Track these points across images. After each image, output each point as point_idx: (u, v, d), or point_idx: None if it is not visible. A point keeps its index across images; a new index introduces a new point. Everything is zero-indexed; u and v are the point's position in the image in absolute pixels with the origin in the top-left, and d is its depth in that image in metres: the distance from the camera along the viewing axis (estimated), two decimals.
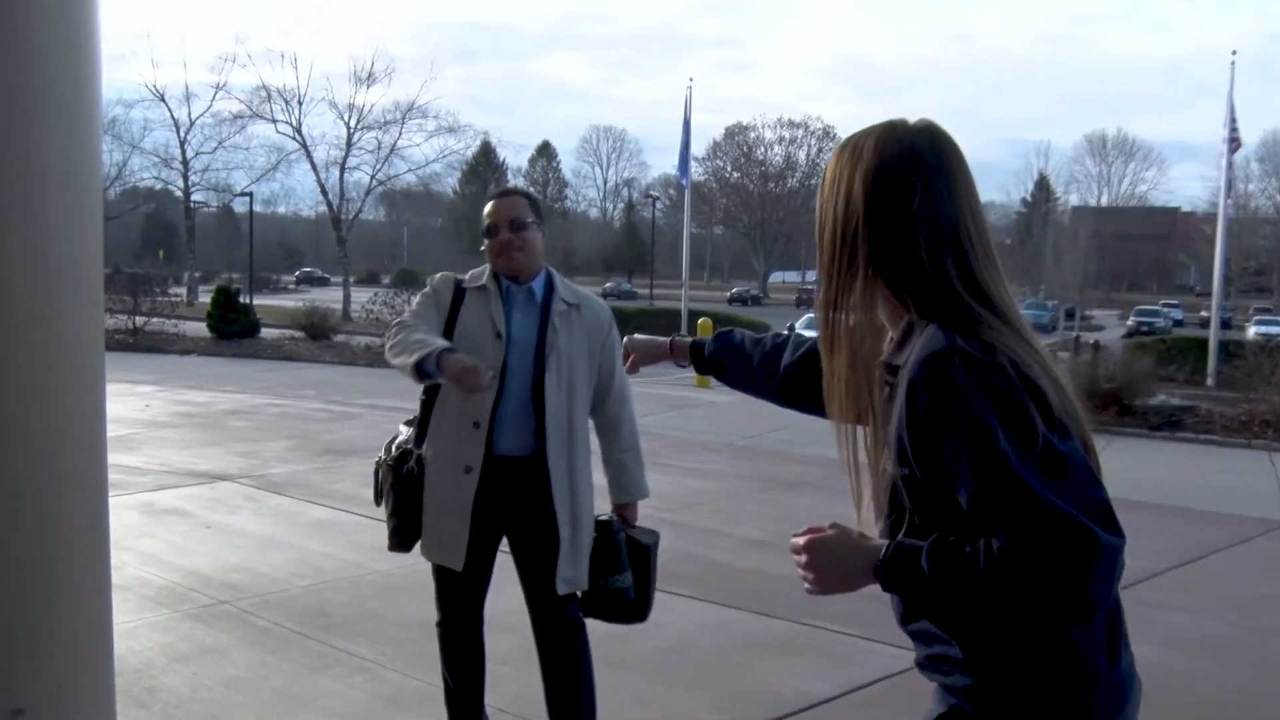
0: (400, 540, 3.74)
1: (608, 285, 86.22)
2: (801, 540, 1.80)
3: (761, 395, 2.44)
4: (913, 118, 1.90)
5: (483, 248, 3.76)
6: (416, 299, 3.81)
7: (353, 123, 51.21)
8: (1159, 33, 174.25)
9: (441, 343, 3.43)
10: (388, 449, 3.80)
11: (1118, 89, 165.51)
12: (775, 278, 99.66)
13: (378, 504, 3.84)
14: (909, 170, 1.77)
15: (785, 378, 2.34)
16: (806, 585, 1.79)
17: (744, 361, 2.42)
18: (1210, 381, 20.31)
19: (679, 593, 6.20)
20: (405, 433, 3.81)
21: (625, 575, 3.72)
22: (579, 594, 3.72)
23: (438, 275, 3.88)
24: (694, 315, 22.99)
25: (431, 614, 3.80)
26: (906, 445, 1.67)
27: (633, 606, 3.80)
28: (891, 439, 1.72)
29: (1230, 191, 23.89)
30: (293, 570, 6.49)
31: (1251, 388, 14.82)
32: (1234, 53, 21.34)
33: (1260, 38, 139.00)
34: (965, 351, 1.62)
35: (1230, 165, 22.49)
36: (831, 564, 1.76)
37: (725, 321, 27.42)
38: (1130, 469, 11.55)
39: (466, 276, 3.79)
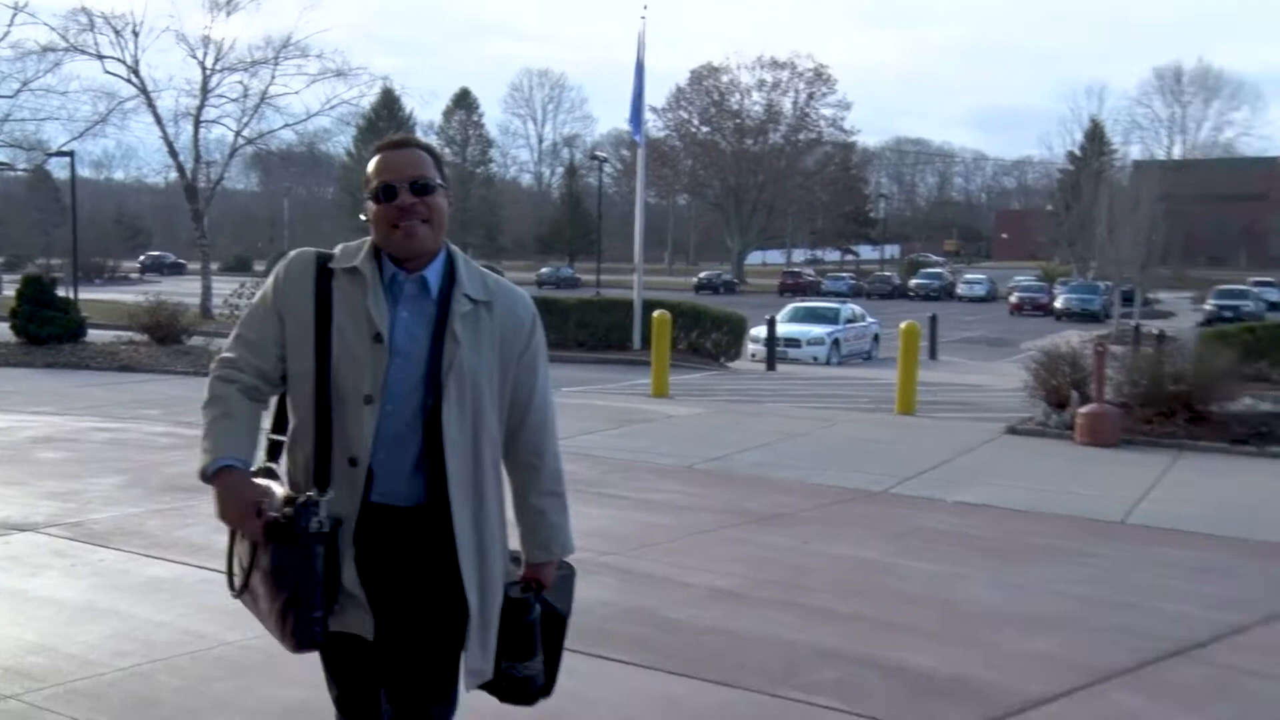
0: (319, 631, 3.33)
1: (544, 271, 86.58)
2: None
3: None
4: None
5: (365, 217, 3.44)
6: (256, 296, 3.53)
7: (209, 62, 50.54)
8: None
9: (228, 454, 3.26)
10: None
11: (1192, 11, 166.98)
12: (753, 259, 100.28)
13: (234, 593, 3.45)
14: None
15: None
16: None
17: None
18: None
19: (622, 660, 6.18)
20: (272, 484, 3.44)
21: (536, 661, 3.54)
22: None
23: (291, 254, 3.53)
24: (650, 308, 22.96)
25: (300, 694, 3.72)
26: None
27: (538, 692, 3.63)
28: None
29: None
30: (113, 647, 6.31)
31: None
32: None
33: None
34: None
35: None
36: None
37: (688, 314, 27.44)
38: (1205, 492, 11.68)
39: (336, 252, 3.47)
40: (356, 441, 3.29)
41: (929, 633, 6.91)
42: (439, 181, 3.42)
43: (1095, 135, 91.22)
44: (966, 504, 10.95)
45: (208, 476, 3.24)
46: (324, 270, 3.40)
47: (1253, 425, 14.76)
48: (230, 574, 3.46)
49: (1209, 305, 56.97)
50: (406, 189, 3.34)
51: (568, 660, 6.09)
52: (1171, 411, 14.93)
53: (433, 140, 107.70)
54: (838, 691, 5.83)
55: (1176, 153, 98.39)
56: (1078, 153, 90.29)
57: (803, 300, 45.58)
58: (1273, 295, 62.49)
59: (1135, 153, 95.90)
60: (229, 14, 50.51)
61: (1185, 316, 53.25)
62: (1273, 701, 6.16)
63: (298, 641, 3.30)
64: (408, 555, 3.36)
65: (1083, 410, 14.78)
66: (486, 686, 3.56)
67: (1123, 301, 49.99)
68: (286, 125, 53.08)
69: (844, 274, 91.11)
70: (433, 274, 3.40)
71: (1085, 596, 7.87)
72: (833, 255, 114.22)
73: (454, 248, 3.50)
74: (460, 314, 3.36)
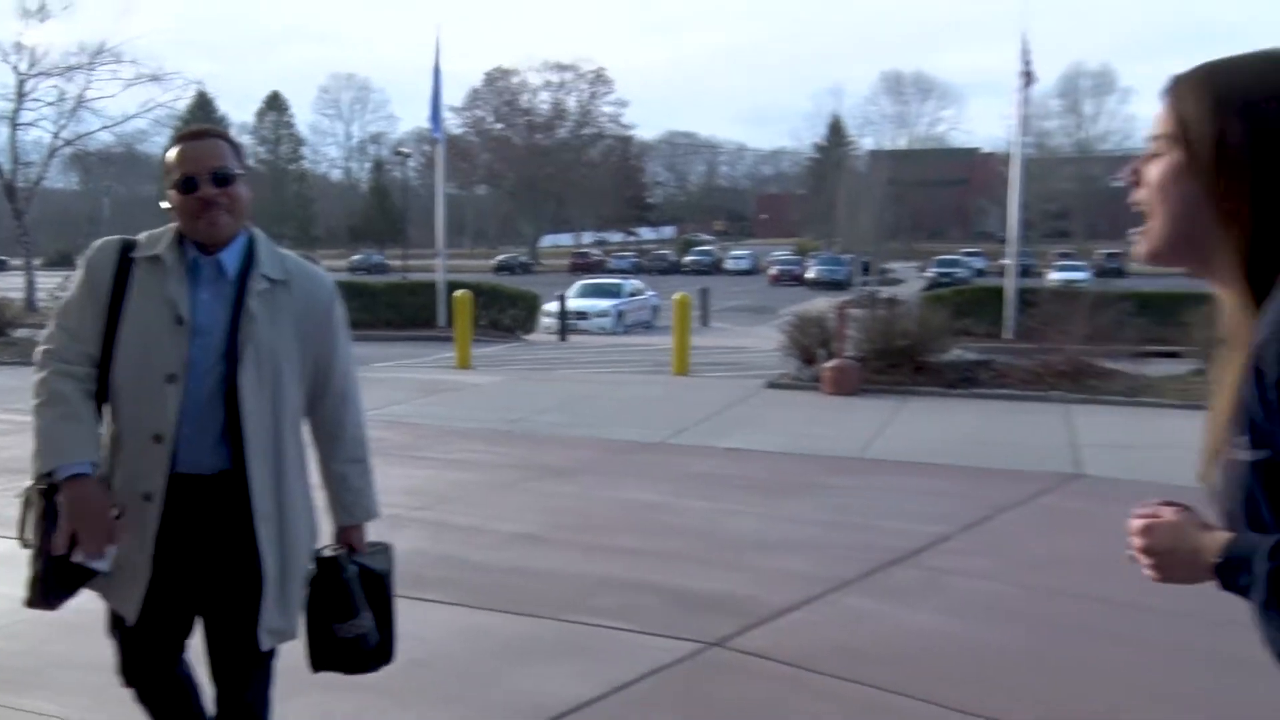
0: (45, 592, 3.15)
1: (355, 258, 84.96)
2: (1140, 522, 1.78)
3: None
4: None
5: (167, 205, 3.21)
6: (70, 289, 3.28)
7: (24, 67, 48.32)
8: None
9: (76, 458, 3.06)
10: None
11: (912, 25, 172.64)
12: (546, 242, 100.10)
13: (22, 544, 3.15)
14: None
15: None
16: (1147, 572, 1.78)
17: None
18: (1009, 333, 21.45)
19: (431, 599, 6.24)
20: None
21: (362, 618, 3.31)
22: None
23: (96, 244, 3.31)
24: (453, 289, 22.89)
25: None
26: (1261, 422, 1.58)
27: (374, 653, 3.41)
28: (1245, 420, 1.61)
29: (1024, 129, 25.38)
30: None
31: (1047, 338, 15.76)
32: None
33: None
34: None
35: (1025, 102, 23.81)
36: (1175, 549, 1.72)
37: (487, 294, 27.40)
38: (927, 430, 12.21)
39: (141, 239, 3.26)
40: (160, 419, 3.09)
41: (699, 559, 7.15)
42: (239, 170, 3.21)
43: (836, 129, 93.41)
44: (734, 449, 11.26)
45: (55, 481, 3.04)
46: (125, 258, 3.21)
47: (961, 372, 15.49)
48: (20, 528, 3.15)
49: (930, 273, 58.82)
50: (208, 180, 3.13)
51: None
52: (899, 363, 15.53)
53: (246, 140, 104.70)
54: (620, 613, 6.01)
55: (902, 144, 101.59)
56: (823, 144, 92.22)
57: (590, 278, 45.76)
58: (979, 263, 65.24)
59: (869, 144, 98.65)
60: (42, 21, 48.26)
61: (913, 282, 54.84)
62: (967, 591, 6.61)
63: (32, 596, 3.16)
64: (211, 521, 3.16)
65: (828, 365, 15.27)
66: (323, 664, 3.40)
67: (862, 271, 51.41)
68: (104, 128, 50.78)
69: (627, 253, 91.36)
70: (230, 256, 3.20)
71: (828, 521, 8.23)
72: (616, 237, 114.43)
73: (256, 231, 3.31)
74: (257, 292, 3.18)
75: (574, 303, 31.14)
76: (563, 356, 22.91)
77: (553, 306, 28.90)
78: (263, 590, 3.16)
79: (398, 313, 27.29)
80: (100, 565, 3.09)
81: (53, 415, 3.11)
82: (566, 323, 28.33)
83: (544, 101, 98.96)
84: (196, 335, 3.13)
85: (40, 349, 3.24)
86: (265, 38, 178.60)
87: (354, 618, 3.29)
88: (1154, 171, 1.70)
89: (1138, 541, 1.76)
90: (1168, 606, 6.11)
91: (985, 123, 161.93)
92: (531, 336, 27.67)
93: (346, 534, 3.39)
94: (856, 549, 7.36)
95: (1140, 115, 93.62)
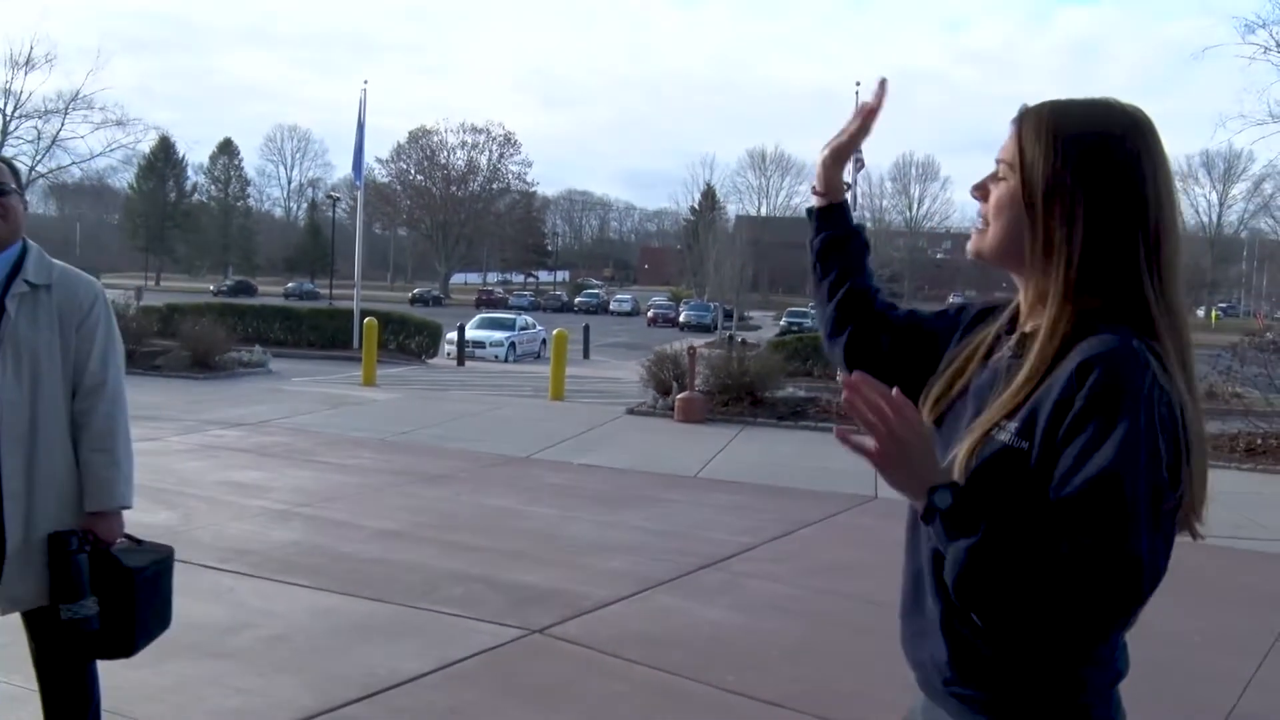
0: None
1: (290, 286, 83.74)
2: (904, 409, 1.54)
3: (838, 295, 2.09)
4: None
5: None
6: None
7: (9, 109, 47.51)
8: (811, 62, 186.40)
9: None
10: None
11: (773, 110, 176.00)
12: (457, 279, 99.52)
13: None
14: None
15: (867, 300, 2.06)
16: (869, 451, 1.54)
17: (856, 254, 2.11)
18: (839, 376, 21.83)
19: (296, 583, 6.22)
20: None
21: (87, 603, 3.05)
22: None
23: None
24: (367, 315, 22.67)
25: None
26: (1041, 418, 1.53)
27: (101, 640, 3.13)
28: (1023, 410, 1.56)
29: (856, 204, 26.12)
30: None
31: None
32: (858, 83, 23.13)
33: (896, 72, 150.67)
34: (1157, 368, 1.52)
35: (855, 181, 24.44)
36: (914, 454, 1.54)
37: (396, 321, 27.21)
38: (755, 455, 12.36)
39: None
40: None
41: (538, 559, 7.16)
42: (13, 187, 3.15)
43: (708, 194, 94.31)
44: (587, 465, 11.28)
45: None
46: None
47: (792, 406, 15.70)
48: None
49: (783, 321, 59.59)
50: None
51: (259, 584, 6.23)
52: (740, 397, 15.70)
53: (200, 180, 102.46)
54: (461, 602, 6.02)
55: (764, 211, 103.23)
56: (696, 207, 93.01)
57: (489, 311, 45.56)
58: None
59: (735, 209, 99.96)
60: (26, 72, 47.66)
61: (769, 329, 55.44)
62: (758, 591, 6.71)
63: None
64: None
65: (680, 396, 15.36)
66: (57, 639, 3.16)
67: (725, 317, 51.89)
68: (74, 163, 50.28)
69: (526, 292, 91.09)
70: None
71: (656, 530, 8.30)
72: (518, 277, 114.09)
73: (31, 244, 3.21)
74: (17, 294, 3.08)
75: (473, 333, 31.01)
76: (458, 379, 22.75)
77: (453, 335, 28.73)
78: (4, 562, 3.04)
79: (319, 334, 26.93)
80: None
81: None
82: (464, 350, 28.19)
83: (459, 158, 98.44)
84: None
85: None
86: (222, 92, 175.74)
87: (77, 600, 3.05)
88: (995, 192, 1.68)
89: (891, 423, 1.53)
90: None
91: None
92: (434, 361, 27.48)
93: (91, 519, 3.15)
94: (674, 554, 7.43)
95: (957, 200, 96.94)
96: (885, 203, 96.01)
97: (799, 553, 7.82)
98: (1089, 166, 1.59)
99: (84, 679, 3.27)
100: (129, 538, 3.29)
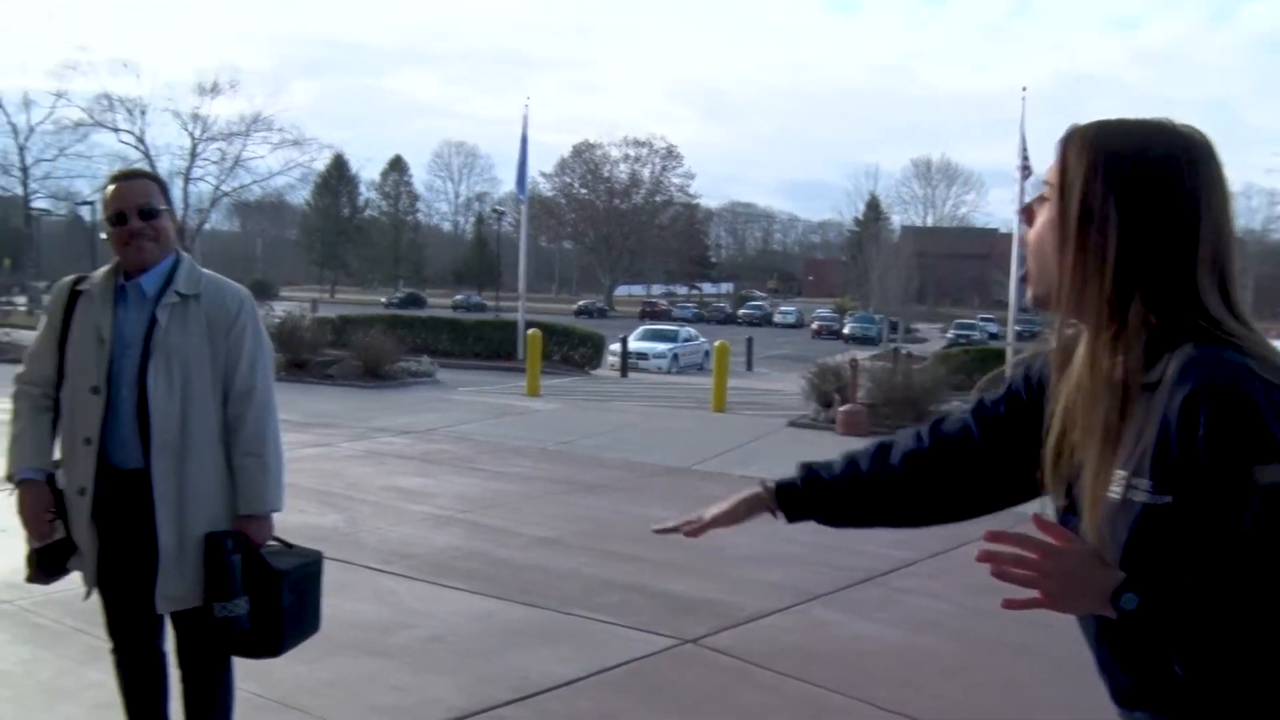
0: (37, 571, 3.34)
1: (457, 298, 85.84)
2: (1052, 542, 1.47)
3: (886, 508, 2.00)
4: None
5: (104, 236, 3.29)
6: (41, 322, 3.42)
7: (197, 133, 50.18)
8: (975, 69, 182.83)
9: (26, 466, 3.23)
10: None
11: (939, 119, 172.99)
12: (621, 291, 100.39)
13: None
14: None
15: (920, 459, 1.92)
16: (1035, 594, 1.47)
17: (849, 476, 1.99)
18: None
19: (454, 586, 6.36)
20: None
21: (239, 602, 3.15)
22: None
23: (61, 280, 3.42)
24: (531, 327, 23.09)
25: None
26: (1174, 467, 1.41)
27: (250, 639, 3.22)
28: (1147, 463, 1.45)
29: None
30: None
31: None
32: (1024, 89, 22.72)
33: (1058, 77, 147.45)
34: (1262, 375, 1.42)
35: (1023, 191, 23.70)
36: (1070, 578, 1.45)
37: (560, 333, 27.58)
38: None
39: (94, 274, 3.34)
40: (88, 425, 3.17)
41: (692, 569, 7.12)
42: (163, 206, 3.26)
43: (873, 205, 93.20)
44: (747, 476, 11.21)
45: (14, 482, 3.25)
46: (74, 292, 3.31)
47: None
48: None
49: (950, 334, 58.48)
50: (135, 215, 3.21)
51: (415, 586, 6.38)
52: (903, 411, 15.43)
53: (371, 196, 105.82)
54: (615, 610, 6.06)
55: (930, 222, 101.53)
56: (860, 218, 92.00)
57: (652, 323, 45.89)
58: (992, 328, 65.11)
59: (900, 220, 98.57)
60: (213, 97, 50.30)
61: (934, 342, 54.38)
62: (918, 607, 6.58)
63: (30, 572, 3.35)
64: (133, 510, 3.17)
65: (842, 409, 15.19)
66: (209, 639, 3.26)
67: (891, 329, 51.10)
68: (254, 182, 52.74)
69: (689, 304, 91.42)
70: (151, 279, 3.24)
71: (814, 543, 8.15)
72: (682, 289, 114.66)
73: (183, 256, 3.34)
74: (168, 305, 3.19)
75: (636, 344, 31.26)
76: (620, 390, 22.96)
77: (617, 346, 29.01)
78: (159, 564, 3.16)
79: (484, 345, 27.54)
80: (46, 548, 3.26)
81: (13, 431, 3.28)
82: (627, 361, 28.43)
83: (622, 172, 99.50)
84: (123, 350, 3.19)
85: (15, 374, 3.38)
86: (390, 110, 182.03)
87: (229, 599, 3.15)
88: (1039, 218, 1.61)
89: (1040, 565, 1.45)
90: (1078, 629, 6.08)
91: (1004, 208, 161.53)
92: (597, 372, 27.76)
93: (241, 522, 3.25)
94: (832, 567, 7.33)
95: None
96: None
97: (960, 569, 7.61)
98: (1128, 186, 1.51)
99: (224, 672, 3.40)
100: (280, 541, 3.39)
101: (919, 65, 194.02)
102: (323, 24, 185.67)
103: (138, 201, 3.22)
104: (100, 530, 3.22)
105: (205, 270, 3.37)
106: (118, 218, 3.22)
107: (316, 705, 4.44)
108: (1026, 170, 22.95)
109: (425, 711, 4.47)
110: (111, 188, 3.28)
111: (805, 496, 2.02)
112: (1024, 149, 22.47)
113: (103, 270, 3.31)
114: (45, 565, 3.32)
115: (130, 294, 3.24)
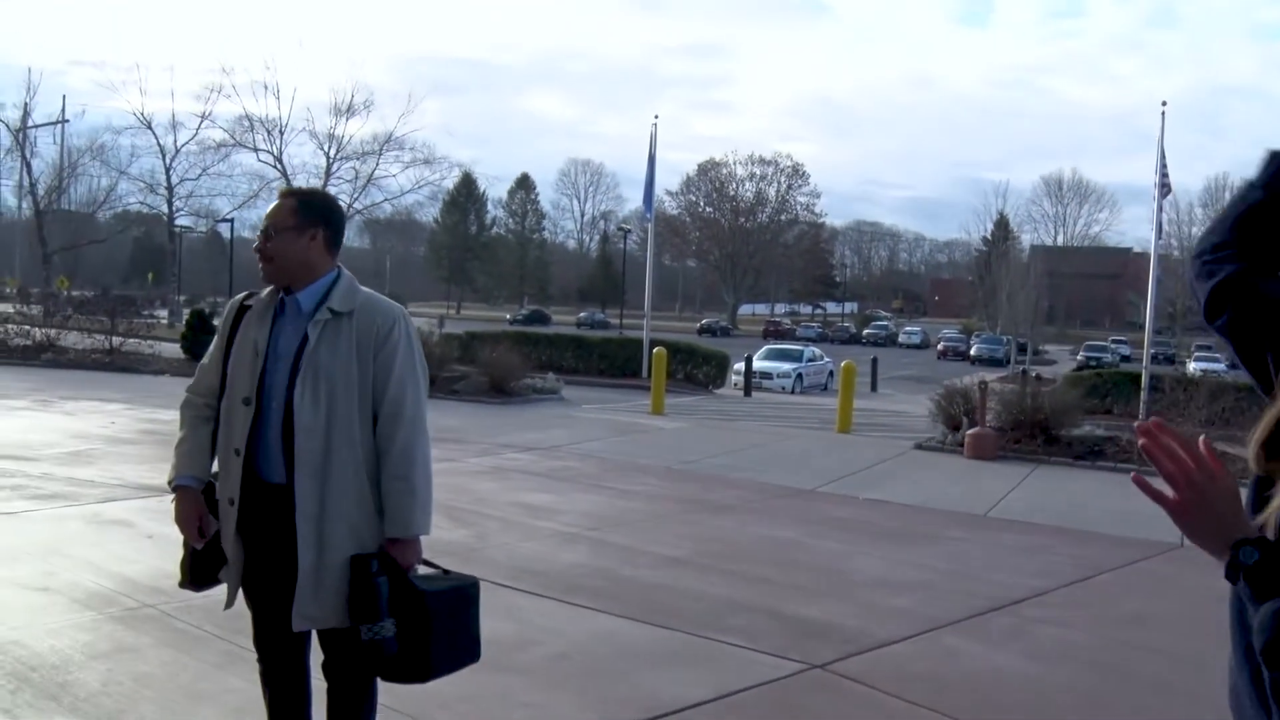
0: (190, 577, 3.44)
1: (582, 315, 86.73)
2: (1216, 467, 1.48)
3: None
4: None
5: None
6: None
7: (332, 153, 51.78)
8: (1108, 83, 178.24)
9: (183, 474, 3.32)
10: None
11: (1070, 134, 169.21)
12: (744, 310, 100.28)
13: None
14: None
15: None
16: (1167, 500, 1.48)
17: None
18: (1142, 414, 20.60)
19: (580, 604, 6.38)
20: None
21: (385, 625, 3.11)
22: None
23: (235, 297, 3.50)
24: (656, 345, 23.17)
25: None
26: None
27: (398, 663, 3.17)
28: None
29: (1160, 233, 24.65)
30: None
31: (1170, 419, 15.07)
32: (1164, 103, 21.81)
33: (1200, 90, 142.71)
34: None
35: (1161, 209, 22.96)
36: (1209, 500, 1.46)
37: (684, 351, 27.60)
38: (1048, 495, 11.82)
39: (263, 291, 3.40)
40: (239, 435, 3.21)
41: (820, 592, 7.10)
42: (290, 225, 3.25)
43: (1001, 224, 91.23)
44: (873, 500, 11.08)
45: (172, 489, 3.34)
46: (243, 306, 3.38)
47: (1090, 445, 14.93)
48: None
49: (1080, 356, 57.05)
50: (262, 235, 3.28)
51: (542, 604, 6.42)
52: (1033, 434, 15.08)
53: (500, 215, 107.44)
54: (743, 633, 6.02)
55: (1060, 241, 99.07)
56: (988, 237, 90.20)
57: (776, 343, 45.65)
58: (1124, 350, 63.59)
59: (1030, 239, 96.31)
60: (348, 118, 51.80)
61: (1064, 364, 53.10)
62: (1051, 639, 6.39)
63: (181, 577, 3.45)
64: (277, 524, 3.19)
65: (970, 432, 14.89)
66: (354, 661, 3.23)
67: (1019, 351, 50.01)
68: (385, 200, 54.09)
69: (813, 323, 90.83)
70: (307, 295, 3.26)
71: (943, 569, 8.06)
72: (806, 308, 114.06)
73: (344, 273, 3.35)
74: (320, 322, 3.20)
75: (760, 364, 31.16)
76: (744, 410, 22.87)
77: (741, 366, 28.92)
78: (299, 582, 3.17)
79: (609, 363, 27.73)
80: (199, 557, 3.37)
81: (178, 438, 3.37)
82: (751, 381, 28.31)
83: (748, 190, 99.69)
84: (275, 363, 3.22)
85: (188, 384, 3.47)
86: (517, 129, 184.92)
87: (376, 621, 3.11)
88: None
89: (1192, 472, 1.46)
90: (1223, 663, 5.83)
91: (1138, 226, 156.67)
92: (720, 391, 27.71)
93: (390, 544, 3.21)
94: (962, 595, 7.20)
95: None
96: (1194, 230, 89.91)
97: (1096, 600, 7.41)
98: None
99: (369, 694, 3.40)
100: (434, 565, 3.35)
101: (1050, 79, 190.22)
102: (453, 44, 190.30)
103: (268, 221, 3.29)
104: (245, 543, 3.28)
105: (364, 288, 3.36)
106: (259, 236, 3.32)
107: (449, 719, 4.50)
108: (1166, 187, 22.19)
109: None
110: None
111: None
112: (1163, 165, 21.71)
113: (269, 288, 3.37)
114: (197, 573, 3.40)
115: (289, 309, 3.28)
